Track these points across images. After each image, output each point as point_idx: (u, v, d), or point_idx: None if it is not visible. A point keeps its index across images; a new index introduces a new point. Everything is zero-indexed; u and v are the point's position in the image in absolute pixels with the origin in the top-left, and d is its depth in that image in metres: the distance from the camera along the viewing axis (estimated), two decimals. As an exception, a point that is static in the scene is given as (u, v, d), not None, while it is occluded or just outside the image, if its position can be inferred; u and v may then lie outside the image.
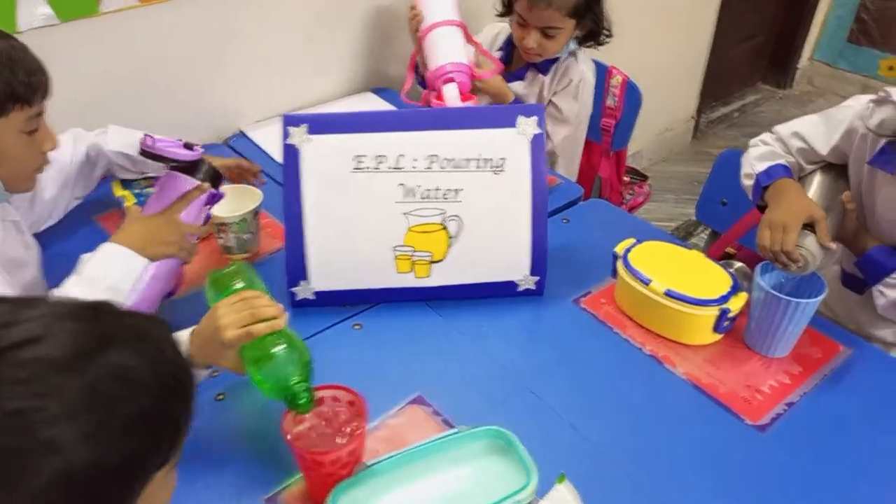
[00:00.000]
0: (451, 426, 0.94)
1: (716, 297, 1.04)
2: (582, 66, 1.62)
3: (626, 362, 1.06)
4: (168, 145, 1.02)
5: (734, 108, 3.65)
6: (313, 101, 1.75)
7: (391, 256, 1.10)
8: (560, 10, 1.46)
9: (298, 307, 1.13)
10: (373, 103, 1.76)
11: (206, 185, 1.05)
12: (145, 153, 1.02)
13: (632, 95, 1.83)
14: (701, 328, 1.06)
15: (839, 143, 1.10)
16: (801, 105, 3.73)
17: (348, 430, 0.83)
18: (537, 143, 1.09)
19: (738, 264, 1.16)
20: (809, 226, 1.02)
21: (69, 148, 1.17)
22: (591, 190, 1.99)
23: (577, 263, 1.24)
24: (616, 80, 1.84)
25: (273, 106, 1.69)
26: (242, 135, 1.64)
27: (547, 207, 1.11)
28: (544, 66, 1.64)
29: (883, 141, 1.03)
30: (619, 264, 1.11)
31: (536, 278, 1.15)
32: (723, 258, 1.44)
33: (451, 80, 1.40)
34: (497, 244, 1.12)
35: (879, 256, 1.09)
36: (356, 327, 1.11)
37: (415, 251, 1.10)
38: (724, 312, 1.03)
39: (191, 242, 1.02)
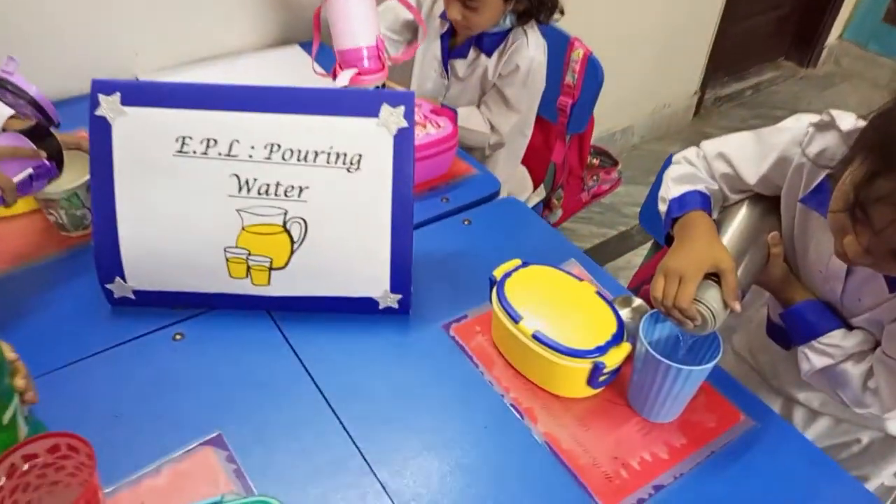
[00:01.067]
0: (244, 477, 0.79)
1: (591, 347, 0.86)
2: (532, 52, 1.41)
3: (482, 411, 0.89)
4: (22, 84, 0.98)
5: (748, 86, 3.36)
6: (228, 49, 1.55)
7: (222, 258, 0.93)
8: None
9: (119, 305, 0.97)
10: (297, 59, 1.56)
11: (43, 152, 0.93)
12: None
13: (592, 73, 1.61)
14: (573, 381, 0.88)
15: (769, 172, 0.89)
16: (823, 88, 3.42)
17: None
18: (403, 138, 0.90)
19: (638, 302, 0.97)
20: (715, 275, 0.83)
21: None
22: (545, 174, 1.80)
23: (462, 278, 1.06)
24: (577, 55, 1.61)
25: (180, 51, 1.50)
26: (138, 84, 1.45)
27: (412, 216, 0.92)
28: (487, 45, 1.43)
29: (822, 175, 0.82)
30: (494, 293, 0.93)
31: (398, 296, 0.97)
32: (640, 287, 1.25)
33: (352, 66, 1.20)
34: (350, 255, 0.94)
35: (808, 314, 0.89)
36: (177, 337, 0.95)
37: (250, 254, 0.93)
38: (598, 367, 0.85)
39: None
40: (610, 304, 0.92)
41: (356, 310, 0.98)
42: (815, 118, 0.84)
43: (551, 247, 1.14)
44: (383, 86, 1.35)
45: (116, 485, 0.77)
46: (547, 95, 1.63)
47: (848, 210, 0.69)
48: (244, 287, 0.95)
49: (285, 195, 0.91)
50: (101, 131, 0.88)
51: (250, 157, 0.90)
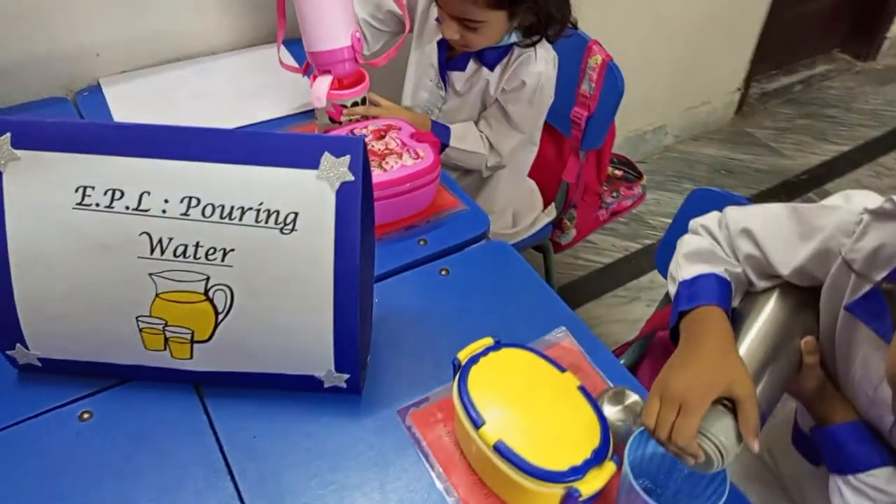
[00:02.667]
0: None
1: (565, 467, 0.69)
2: (540, 67, 1.22)
3: (431, 530, 0.74)
4: None
5: (798, 80, 3.09)
6: (201, 48, 1.39)
7: (135, 328, 0.78)
8: (475, 2, 1.06)
9: (27, 373, 0.84)
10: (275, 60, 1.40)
11: None
12: None
13: (612, 82, 1.41)
14: (543, 503, 0.72)
15: (807, 263, 0.70)
16: (882, 83, 3.12)
17: None
18: (348, 194, 0.73)
19: (632, 399, 0.79)
20: (729, 400, 0.65)
21: None
22: (557, 191, 1.61)
23: (430, 347, 0.90)
24: (595, 61, 1.42)
25: (148, 51, 1.35)
26: (98, 89, 1.31)
27: (356, 284, 0.76)
28: (489, 60, 1.25)
29: (877, 277, 0.63)
30: (455, 384, 0.77)
31: (346, 376, 0.82)
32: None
33: (327, 72, 1.04)
34: (286, 328, 0.78)
35: (847, 441, 0.70)
36: (85, 416, 0.81)
37: (167, 325, 0.78)
38: (571, 495, 0.69)
39: None
40: (594, 404, 0.75)
41: (297, 388, 0.83)
42: (872, 201, 0.64)
43: (541, 307, 0.97)
44: (363, 101, 1.19)
45: None
46: (560, 105, 1.45)
47: None
48: (163, 360, 0.81)
49: (206, 258, 0.75)
50: (-14, 179, 0.73)
51: (164, 212, 0.74)
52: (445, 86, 1.33)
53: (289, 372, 0.82)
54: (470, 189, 1.34)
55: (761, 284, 0.77)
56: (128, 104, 1.26)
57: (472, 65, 1.27)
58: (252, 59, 1.38)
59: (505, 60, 1.24)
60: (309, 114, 1.29)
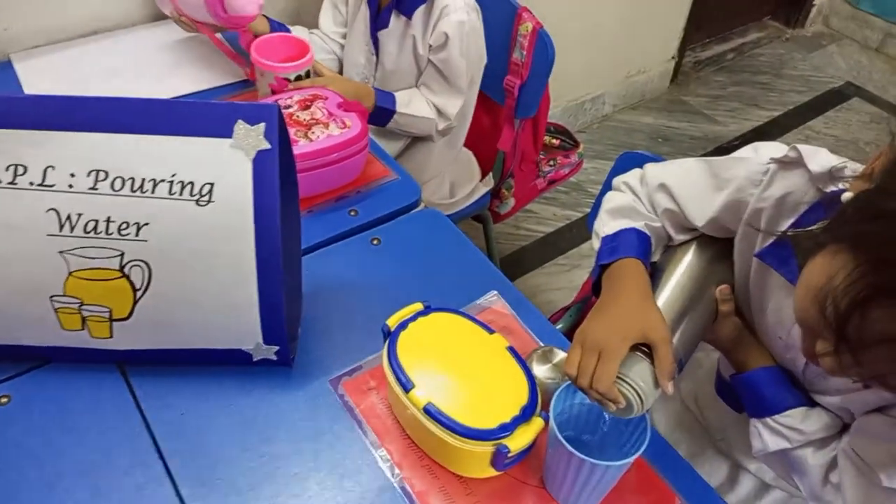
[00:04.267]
0: None
1: (494, 425, 0.70)
2: (461, 16, 1.21)
3: (366, 494, 0.73)
4: None
5: (730, 48, 3.15)
6: (118, 21, 1.34)
7: (49, 308, 0.76)
8: None
9: (-64, 359, 0.80)
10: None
11: None
12: None
13: (542, 50, 1.41)
14: (474, 462, 0.73)
15: (720, 213, 0.72)
16: (810, 49, 3.21)
17: None
18: (265, 162, 0.72)
19: (560, 356, 0.80)
20: (645, 346, 0.66)
21: None
22: (494, 161, 1.61)
23: (361, 316, 0.90)
24: (525, 28, 1.41)
25: (59, 26, 1.29)
26: (9, 64, 1.24)
27: (279, 254, 0.74)
28: (407, 7, 1.23)
29: (783, 225, 0.65)
30: (385, 350, 0.77)
31: (275, 348, 0.81)
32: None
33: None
34: (209, 303, 0.77)
35: (763, 385, 0.73)
36: (2, 401, 0.78)
37: (83, 304, 0.75)
38: (500, 451, 0.69)
39: None
40: (522, 364, 0.76)
41: (226, 362, 0.82)
42: (777, 151, 0.66)
43: (473, 273, 0.97)
44: (307, 74, 1.16)
45: None
46: (492, 73, 1.45)
47: (831, 332, 0.51)
48: (82, 339, 0.78)
49: (119, 233, 0.73)
50: None
51: (70, 186, 0.71)
52: (377, 49, 1.31)
53: (215, 346, 0.80)
54: (403, 159, 1.33)
55: (679, 237, 0.78)
56: (41, 79, 1.20)
57: (394, 20, 1.25)
58: (174, 31, 1.33)
59: (425, 9, 1.22)
60: (239, 85, 1.26)
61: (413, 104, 1.29)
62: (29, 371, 0.81)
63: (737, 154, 0.72)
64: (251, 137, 0.71)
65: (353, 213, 1.03)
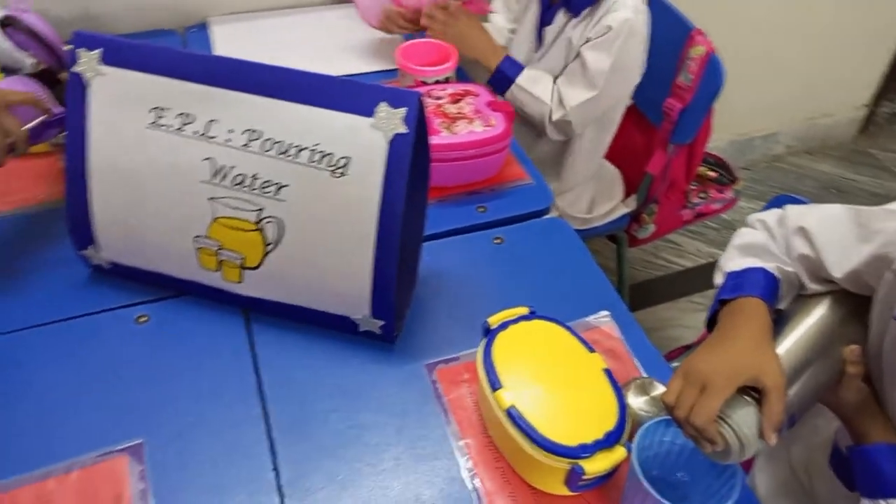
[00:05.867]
0: (146, 504, 0.71)
1: (574, 443, 0.68)
2: (628, 14, 1.18)
3: (435, 481, 0.75)
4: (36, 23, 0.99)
5: (937, 103, 2.82)
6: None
7: (192, 246, 0.84)
8: None
9: (97, 273, 0.91)
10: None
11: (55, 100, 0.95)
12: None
13: (712, 76, 1.34)
14: (548, 476, 0.72)
15: (862, 267, 0.65)
16: None
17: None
18: (400, 145, 0.75)
19: (661, 390, 0.77)
20: (756, 391, 0.62)
21: None
22: (639, 185, 1.56)
23: (470, 308, 0.91)
24: (697, 51, 1.36)
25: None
26: (206, 27, 1.38)
27: (398, 235, 0.77)
28: (576, 6, 1.23)
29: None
30: (481, 346, 0.77)
31: (381, 322, 0.84)
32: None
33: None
34: (329, 268, 0.81)
35: (884, 461, 0.66)
36: (141, 320, 0.87)
37: (221, 248, 0.83)
38: (576, 471, 0.68)
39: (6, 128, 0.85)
40: (617, 389, 0.74)
41: (334, 326, 0.86)
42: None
43: (588, 289, 0.95)
44: (446, 81, 1.20)
45: (19, 476, 0.71)
46: (652, 93, 1.41)
47: None
48: (215, 280, 0.86)
49: (262, 190, 0.79)
50: (77, 89, 0.80)
51: (227, 141, 0.78)
52: (541, 43, 1.32)
53: (328, 310, 0.85)
54: (544, 164, 1.32)
55: (813, 287, 0.72)
56: (230, 43, 1.33)
57: (560, 16, 1.26)
58: (351, 15, 1.41)
59: (590, 8, 1.21)
60: (393, 73, 1.31)
61: (538, 85, 1.27)
62: (167, 299, 0.90)
63: (892, 205, 0.65)
64: (391, 120, 0.75)
65: (481, 210, 1.04)
